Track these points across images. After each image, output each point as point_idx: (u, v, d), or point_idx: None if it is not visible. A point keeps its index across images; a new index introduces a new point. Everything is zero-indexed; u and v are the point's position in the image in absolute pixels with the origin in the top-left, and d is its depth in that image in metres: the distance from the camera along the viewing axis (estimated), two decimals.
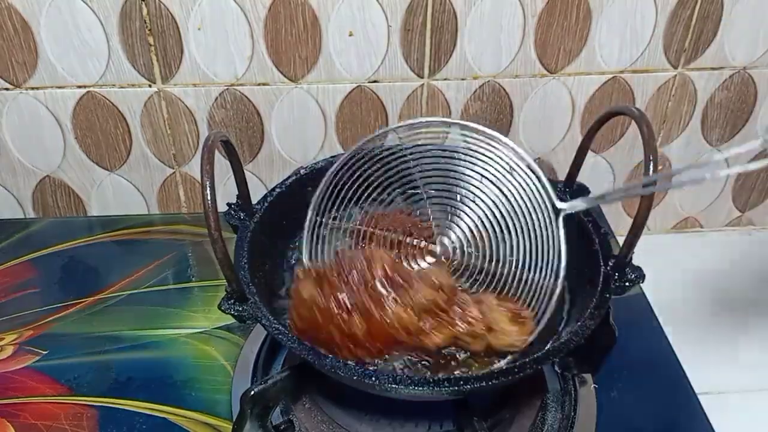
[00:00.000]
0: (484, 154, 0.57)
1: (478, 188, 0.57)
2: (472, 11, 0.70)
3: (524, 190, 0.55)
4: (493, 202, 0.57)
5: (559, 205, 0.53)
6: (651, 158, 0.47)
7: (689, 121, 0.80)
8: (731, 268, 0.83)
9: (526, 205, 0.55)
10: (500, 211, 0.56)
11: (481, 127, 0.56)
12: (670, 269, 0.80)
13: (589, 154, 0.62)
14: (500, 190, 0.56)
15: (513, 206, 0.55)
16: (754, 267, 0.83)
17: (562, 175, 0.63)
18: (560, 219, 0.53)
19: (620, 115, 0.53)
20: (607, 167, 0.83)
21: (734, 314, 0.76)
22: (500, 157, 0.56)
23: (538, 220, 0.54)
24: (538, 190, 0.54)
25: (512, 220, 0.55)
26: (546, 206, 0.54)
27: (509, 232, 0.56)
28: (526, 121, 0.78)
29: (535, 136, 0.80)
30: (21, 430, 0.57)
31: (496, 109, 0.77)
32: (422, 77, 0.74)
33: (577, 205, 0.52)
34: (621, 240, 0.51)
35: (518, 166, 0.55)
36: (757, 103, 0.80)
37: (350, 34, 0.71)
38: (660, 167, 0.49)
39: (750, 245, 0.88)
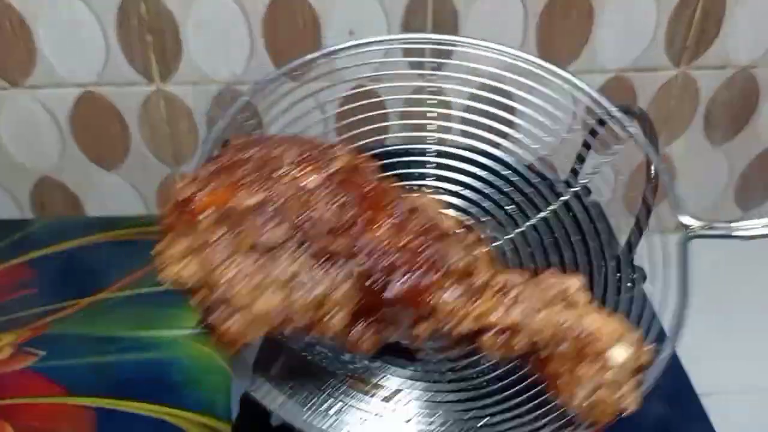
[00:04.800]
0: None
1: None
2: (473, 10, 0.70)
3: None
4: None
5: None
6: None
7: (691, 120, 0.80)
8: (731, 268, 0.83)
9: None
10: None
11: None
12: (671, 269, 0.80)
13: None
14: None
15: None
16: (754, 267, 0.82)
17: (563, 175, 0.63)
18: None
19: None
20: (607, 167, 0.83)
21: (735, 314, 0.76)
22: None
23: None
24: None
25: None
26: None
27: None
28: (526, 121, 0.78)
29: (536, 136, 0.79)
30: (19, 431, 0.57)
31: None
32: (423, 76, 0.74)
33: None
34: (621, 240, 0.51)
35: None
36: (760, 102, 0.79)
37: (350, 33, 0.70)
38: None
39: (750, 245, 0.88)
